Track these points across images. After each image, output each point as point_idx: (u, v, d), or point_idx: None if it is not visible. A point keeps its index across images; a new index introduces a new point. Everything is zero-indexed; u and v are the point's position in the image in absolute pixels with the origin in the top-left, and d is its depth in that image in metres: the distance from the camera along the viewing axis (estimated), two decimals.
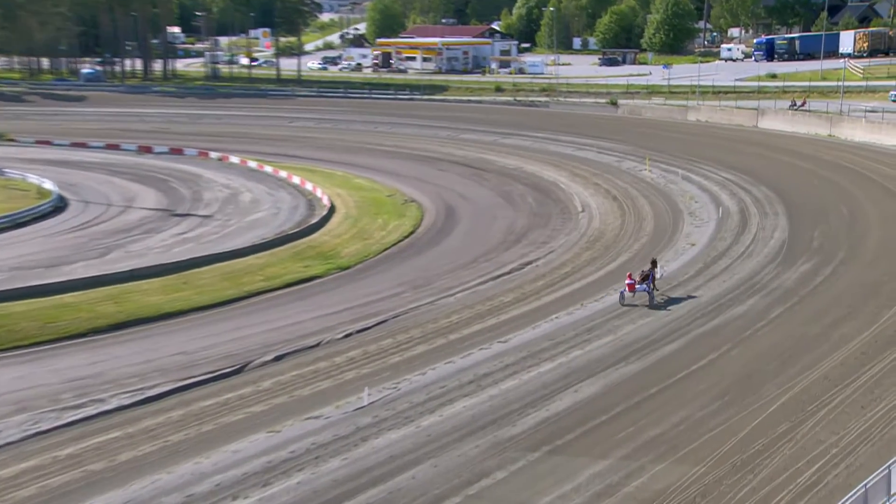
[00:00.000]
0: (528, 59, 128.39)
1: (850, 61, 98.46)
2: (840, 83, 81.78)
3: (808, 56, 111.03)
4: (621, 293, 31.96)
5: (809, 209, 46.26)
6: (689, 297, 32.02)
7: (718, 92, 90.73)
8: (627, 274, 33.08)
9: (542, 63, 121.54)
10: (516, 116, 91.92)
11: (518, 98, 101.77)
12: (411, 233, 45.25)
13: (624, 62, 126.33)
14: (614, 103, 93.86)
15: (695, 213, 47.03)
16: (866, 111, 72.12)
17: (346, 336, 29.17)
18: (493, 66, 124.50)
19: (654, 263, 33.64)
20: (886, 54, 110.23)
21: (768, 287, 32.84)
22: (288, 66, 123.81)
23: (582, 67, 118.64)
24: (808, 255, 37.23)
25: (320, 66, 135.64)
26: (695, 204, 49.45)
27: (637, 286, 31.62)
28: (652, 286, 31.57)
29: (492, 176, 61.97)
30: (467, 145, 75.56)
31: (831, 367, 24.89)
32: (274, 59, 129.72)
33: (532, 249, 41.58)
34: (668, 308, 30.74)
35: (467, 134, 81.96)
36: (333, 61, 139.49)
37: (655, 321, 29.40)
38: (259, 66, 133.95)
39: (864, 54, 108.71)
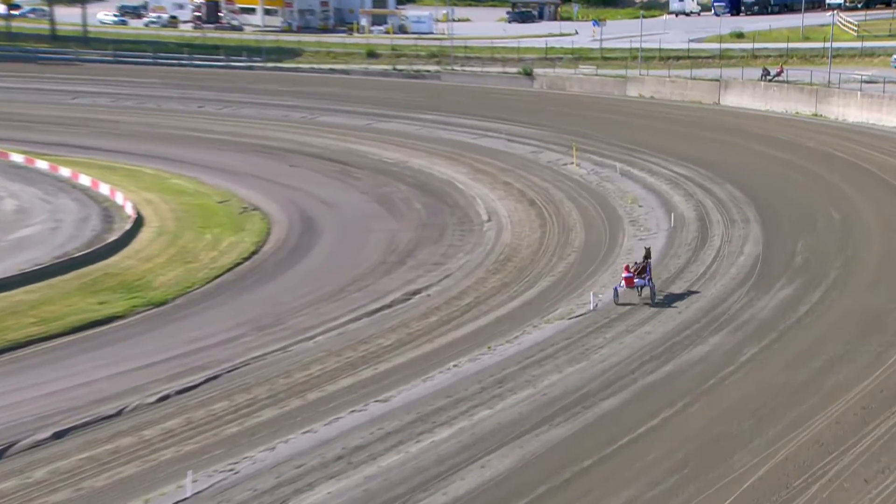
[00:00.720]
0: (411, 12, 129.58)
1: (841, 14, 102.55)
2: (827, 44, 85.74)
3: (786, 8, 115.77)
4: (615, 290, 35.55)
5: (790, 214, 48.23)
6: (633, 333, 32.89)
7: (667, 57, 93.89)
8: (624, 266, 36.73)
9: (431, 19, 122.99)
10: (397, 92, 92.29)
11: (399, 67, 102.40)
12: (254, 253, 45.03)
13: (541, 17, 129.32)
14: (529, 74, 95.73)
15: (638, 222, 48.40)
16: (862, 81, 75.32)
17: (162, 399, 28.63)
18: (364, 22, 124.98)
19: (648, 254, 37.69)
20: (888, 5, 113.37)
21: (737, 319, 33.99)
22: (68, 17, 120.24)
23: (484, 25, 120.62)
24: (790, 275, 38.77)
25: (116, 19, 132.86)
26: (638, 209, 50.91)
27: (636, 280, 35.37)
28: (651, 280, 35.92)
29: (365, 174, 62.06)
30: (330, 132, 75.35)
31: (823, 426, 25.71)
32: (46, 8, 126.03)
33: (421, 273, 41.87)
34: (603, 350, 31.42)
35: (329, 116, 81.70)
36: (136, 13, 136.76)
37: (589, 367, 29.96)
38: (23, 16, 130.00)
39: (859, 5, 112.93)
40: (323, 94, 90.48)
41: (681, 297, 36.40)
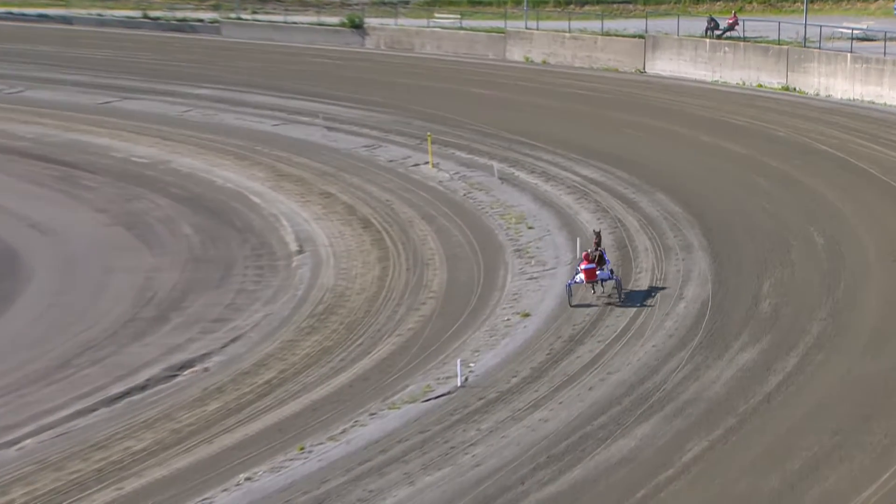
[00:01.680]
0: None
1: None
2: None
3: None
4: (568, 287, 41.22)
5: (752, 238, 49.13)
6: (522, 421, 33.06)
7: (568, 2, 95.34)
8: (583, 255, 41.59)
9: None
10: (151, 53, 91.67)
11: (153, 14, 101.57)
12: None
13: None
14: (358, 26, 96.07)
15: (528, 252, 48.91)
16: (853, 38, 77.71)
17: None
18: None
19: (598, 239, 42.75)
20: None
21: (677, 398, 34.36)
22: None
23: None
24: (753, 330, 39.35)
25: None
26: (527, 232, 51.47)
27: (599, 273, 40.92)
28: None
29: (102, 182, 61.67)
30: (43, 115, 75.01)
31: None
32: None
33: (194, 336, 41.66)
34: (477, 448, 31.51)
35: (41, 90, 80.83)
36: None
37: (455, 475, 30.00)
38: None
39: None
40: (29, 54, 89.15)
41: (592, 364, 36.81)
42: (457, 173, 60.82)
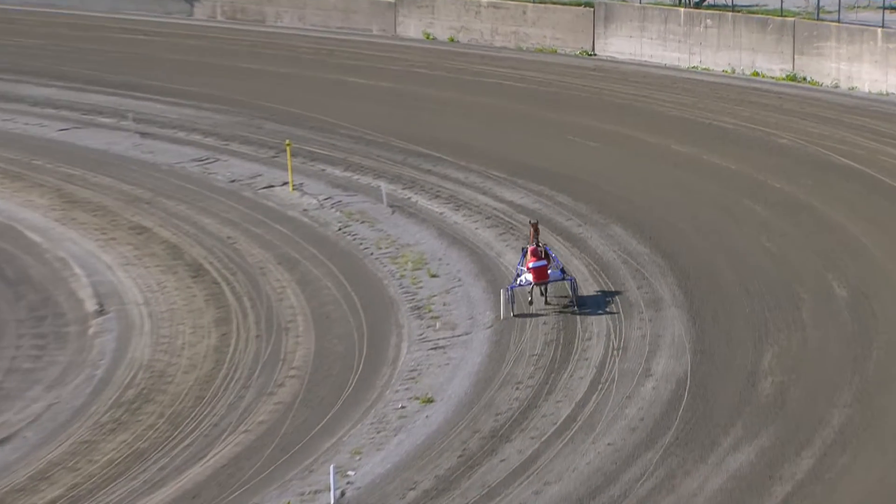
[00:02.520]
0: None
1: None
2: None
3: None
4: (510, 290, 46.87)
5: (745, 290, 49.55)
6: None
7: None
8: (530, 250, 47.28)
9: None
10: None
11: None
12: None
13: None
14: None
15: (430, 310, 49.00)
16: (885, 6, 78.58)
17: None
18: None
19: (536, 229, 48.61)
20: None
21: None
22: None
23: None
24: (750, 421, 39.62)
25: None
26: (430, 283, 51.61)
27: (550, 272, 46.80)
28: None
29: None
30: None
31: None
32: None
33: None
34: None
35: None
36: None
37: None
38: None
39: None
40: None
41: (523, 471, 36.86)
42: (328, 199, 60.76)
